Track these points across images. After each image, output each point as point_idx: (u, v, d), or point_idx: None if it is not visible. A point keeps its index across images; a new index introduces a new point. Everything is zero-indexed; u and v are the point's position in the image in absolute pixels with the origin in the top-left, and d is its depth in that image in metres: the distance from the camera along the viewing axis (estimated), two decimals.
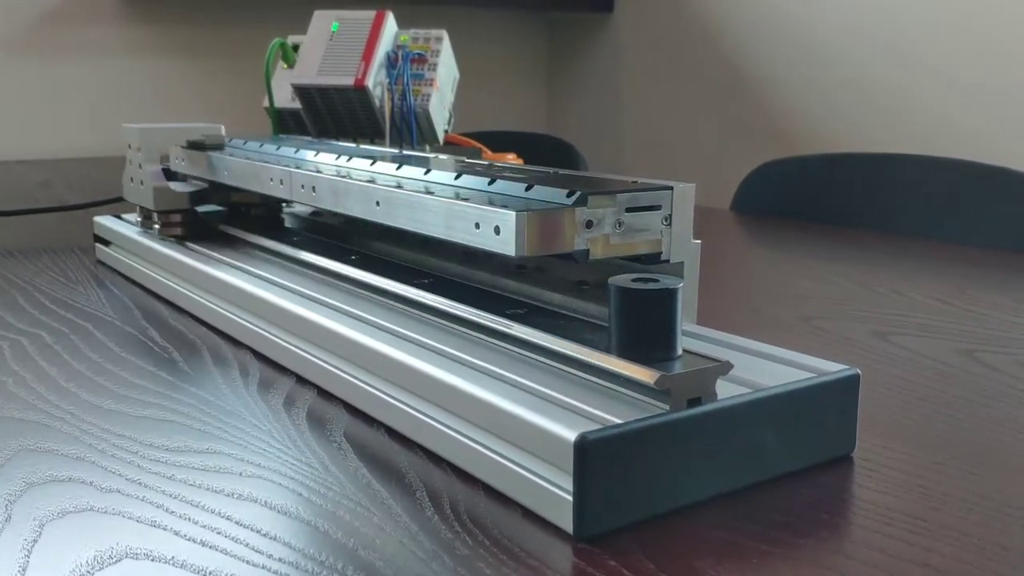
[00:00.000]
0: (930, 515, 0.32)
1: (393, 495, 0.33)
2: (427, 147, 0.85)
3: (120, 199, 0.84)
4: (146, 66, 1.78)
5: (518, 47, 2.28)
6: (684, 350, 0.34)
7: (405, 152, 0.60)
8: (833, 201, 1.02)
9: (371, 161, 0.51)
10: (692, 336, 0.42)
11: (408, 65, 0.80)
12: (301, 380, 0.46)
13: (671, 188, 0.41)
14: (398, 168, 0.49)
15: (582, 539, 0.30)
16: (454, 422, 0.36)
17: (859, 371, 0.37)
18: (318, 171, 0.51)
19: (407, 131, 0.81)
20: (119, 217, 0.74)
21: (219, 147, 0.64)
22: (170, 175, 0.67)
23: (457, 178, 0.45)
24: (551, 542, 0.30)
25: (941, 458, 0.37)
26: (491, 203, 0.38)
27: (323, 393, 0.44)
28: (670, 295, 0.33)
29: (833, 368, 0.37)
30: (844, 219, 1.01)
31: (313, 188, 0.51)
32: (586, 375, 0.36)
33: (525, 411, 0.32)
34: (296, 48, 0.85)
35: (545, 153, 1.38)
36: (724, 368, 0.33)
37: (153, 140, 0.67)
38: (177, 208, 0.65)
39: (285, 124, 0.86)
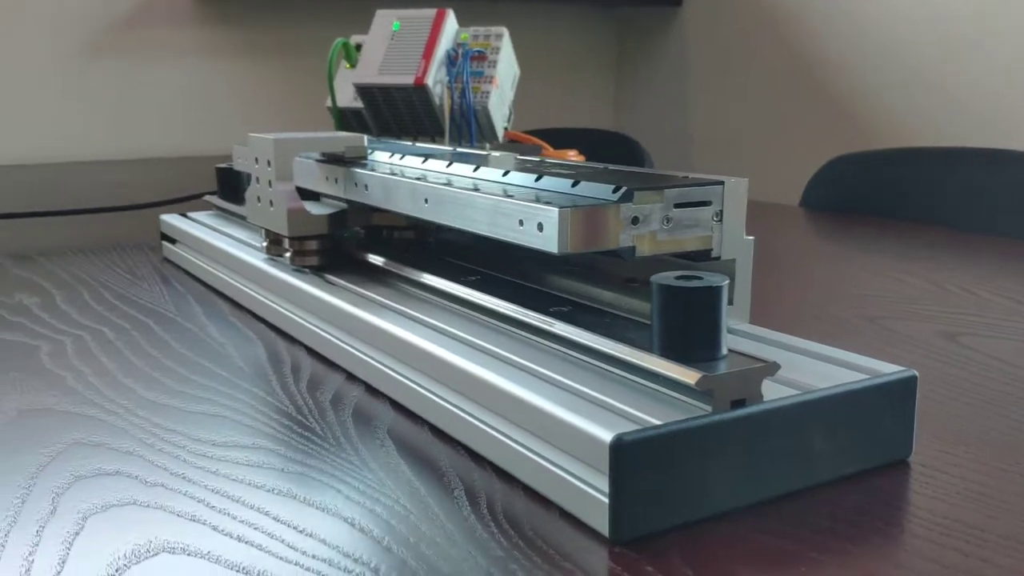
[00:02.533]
0: (989, 524, 0.31)
1: (432, 494, 0.33)
2: (487, 145, 0.84)
3: (190, 198, 0.85)
4: (220, 67, 1.81)
5: (586, 43, 2.27)
6: (730, 350, 0.33)
7: (459, 150, 0.59)
8: (905, 197, 0.99)
9: (423, 159, 0.51)
10: (744, 336, 0.41)
11: (468, 63, 0.80)
12: (351, 377, 0.46)
13: (722, 183, 0.40)
14: (448, 165, 0.49)
15: (619, 543, 0.30)
16: (493, 420, 0.35)
17: (916, 372, 0.35)
18: (373, 170, 0.51)
19: (466, 129, 0.81)
20: (185, 215, 0.76)
21: (361, 160, 0.55)
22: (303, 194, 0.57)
23: (505, 175, 0.44)
24: (587, 545, 0.30)
25: (1004, 464, 0.36)
26: (535, 199, 0.38)
27: (371, 390, 0.44)
28: (714, 293, 0.32)
29: (889, 369, 0.36)
30: (916, 215, 0.98)
31: (366, 186, 0.51)
32: (629, 375, 0.35)
33: (562, 410, 0.32)
34: (359, 48, 0.85)
35: (610, 150, 1.36)
36: (771, 369, 0.32)
37: (287, 153, 0.56)
38: (314, 234, 0.55)
39: (347, 123, 0.87)
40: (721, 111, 2.09)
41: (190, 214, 0.76)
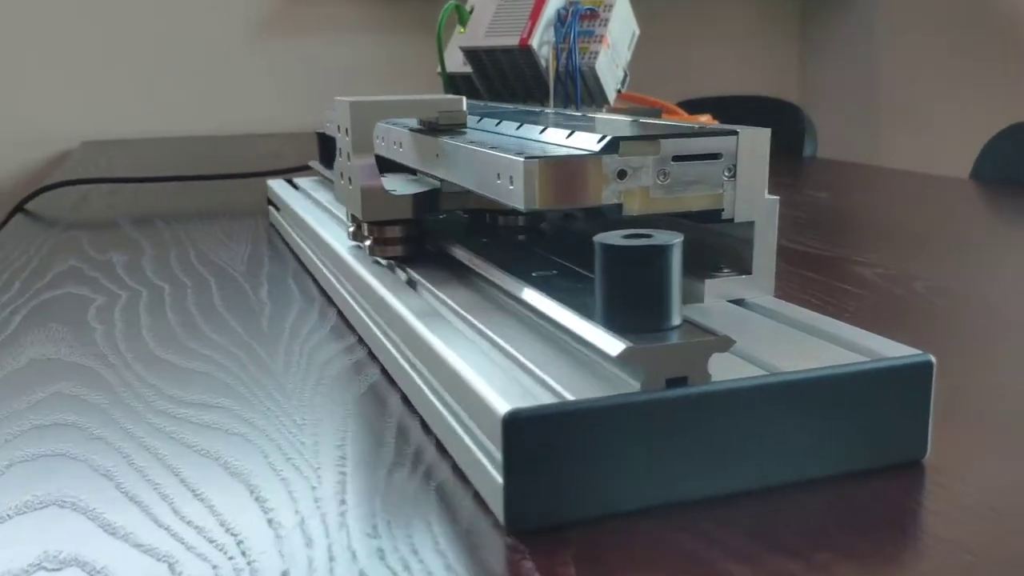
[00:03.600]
0: (987, 549, 0.25)
1: (355, 465, 0.31)
2: (603, 108, 0.80)
3: (300, 168, 0.87)
4: (383, 42, 1.84)
5: (767, 8, 2.14)
6: (686, 320, 0.29)
7: (521, 107, 0.56)
8: None
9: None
10: (758, 310, 0.36)
11: (576, 22, 0.76)
12: (361, 341, 0.44)
13: (735, 133, 0.35)
14: (479, 121, 0.46)
15: (513, 532, 0.26)
16: (435, 387, 0.32)
17: (932, 358, 0.29)
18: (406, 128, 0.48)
19: (573, 92, 0.77)
20: (289, 182, 0.77)
21: (457, 127, 0.43)
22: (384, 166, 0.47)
23: (518, 128, 0.41)
24: (481, 532, 0.26)
25: None
26: (515, 152, 0.34)
27: (371, 355, 0.42)
28: (659, 253, 0.28)
29: (898, 352, 0.30)
30: None
31: (400, 144, 0.49)
32: (582, 347, 0.31)
33: (475, 377, 0.28)
34: (473, 11, 0.83)
35: (769, 117, 1.27)
36: (721, 344, 0.27)
37: (367, 119, 0.47)
38: (396, 219, 0.46)
39: (457, 89, 0.85)
40: (911, 78, 1.91)
41: (296, 180, 0.77)
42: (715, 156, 0.35)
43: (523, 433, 0.25)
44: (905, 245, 0.64)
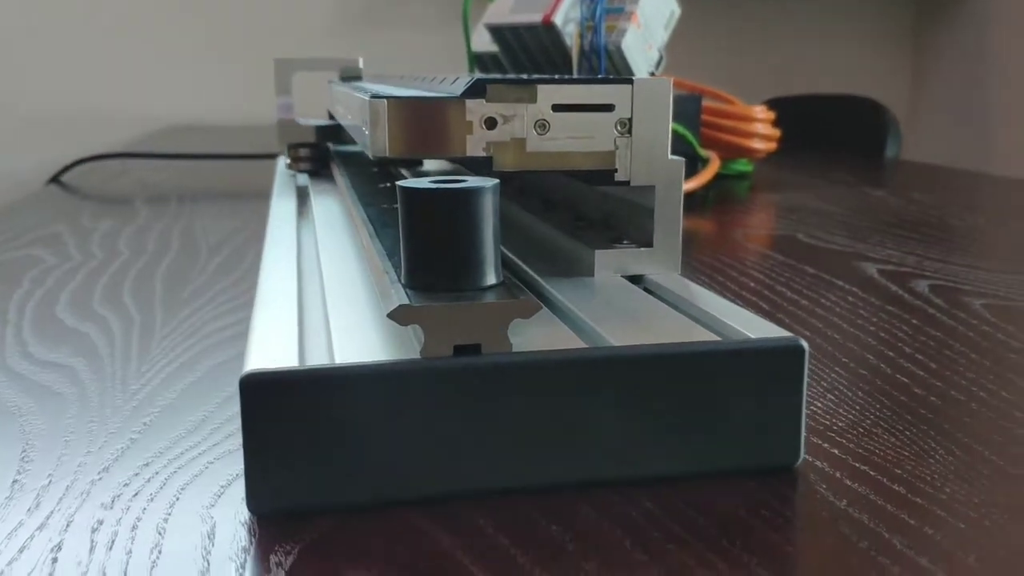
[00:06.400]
0: None
1: (146, 435, 0.27)
2: None
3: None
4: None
5: (882, 8, 2.03)
6: (503, 282, 0.24)
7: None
8: None
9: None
10: (651, 287, 0.31)
11: None
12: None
13: (630, 82, 0.30)
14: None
15: (256, 514, 0.22)
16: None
17: (804, 343, 0.24)
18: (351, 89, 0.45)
19: (598, 71, 0.72)
20: None
21: (355, 79, 0.63)
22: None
23: (440, 82, 0.37)
24: (225, 515, 0.23)
25: (926, 500, 0.23)
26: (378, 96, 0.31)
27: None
28: (466, 198, 0.24)
29: (762, 334, 0.24)
30: None
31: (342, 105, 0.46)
32: None
33: (257, 332, 0.25)
34: None
35: (851, 115, 1.19)
36: (524, 308, 0.23)
37: (287, 71, 0.67)
38: (304, 142, 0.64)
39: (484, 68, 0.81)
40: None
41: None
42: (606, 108, 0.30)
43: (262, 398, 0.22)
44: (936, 246, 0.57)
